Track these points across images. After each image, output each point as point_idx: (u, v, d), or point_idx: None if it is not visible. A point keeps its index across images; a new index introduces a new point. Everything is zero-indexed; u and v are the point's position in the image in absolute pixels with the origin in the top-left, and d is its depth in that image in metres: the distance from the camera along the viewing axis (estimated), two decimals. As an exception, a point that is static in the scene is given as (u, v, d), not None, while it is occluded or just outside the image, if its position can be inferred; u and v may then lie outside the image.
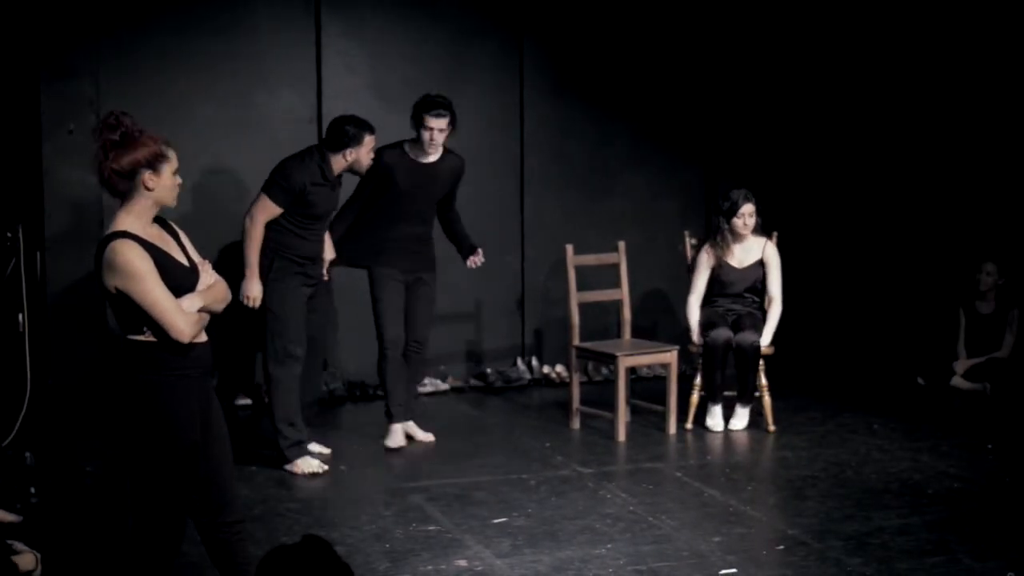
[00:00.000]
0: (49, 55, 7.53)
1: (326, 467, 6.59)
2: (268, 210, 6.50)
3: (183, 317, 3.98)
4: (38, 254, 7.33)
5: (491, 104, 8.65)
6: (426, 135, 6.78)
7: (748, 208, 7.42)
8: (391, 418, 7.02)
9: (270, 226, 6.51)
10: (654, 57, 8.97)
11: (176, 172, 4.10)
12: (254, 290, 6.49)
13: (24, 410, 6.86)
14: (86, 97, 7.59)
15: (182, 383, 4.03)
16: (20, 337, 6.95)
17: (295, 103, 8.13)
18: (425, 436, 7.19)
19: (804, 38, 9.17)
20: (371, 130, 6.65)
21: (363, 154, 6.62)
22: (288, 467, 6.55)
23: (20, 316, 6.97)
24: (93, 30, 7.63)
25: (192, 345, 4.03)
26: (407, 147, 6.89)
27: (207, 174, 7.90)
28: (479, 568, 5.16)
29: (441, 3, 8.49)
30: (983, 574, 5.07)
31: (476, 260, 7.15)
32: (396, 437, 7.03)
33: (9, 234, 6.96)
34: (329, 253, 6.90)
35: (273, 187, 6.52)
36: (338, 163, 6.61)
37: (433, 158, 6.91)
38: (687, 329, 7.60)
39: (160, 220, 4.16)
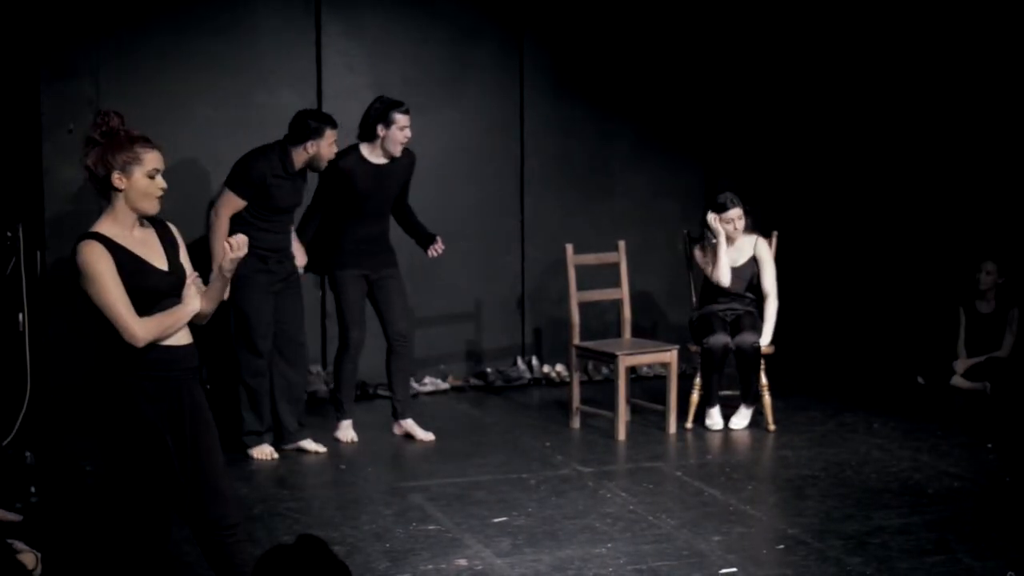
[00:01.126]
0: (49, 55, 7.53)
1: (277, 455, 6.80)
2: (232, 204, 6.62)
3: (136, 321, 3.94)
4: (38, 253, 7.33)
5: (491, 104, 8.65)
6: (399, 134, 6.88)
7: (736, 212, 7.41)
8: (341, 412, 7.18)
9: (235, 220, 6.61)
10: (654, 57, 8.96)
11: (154, 175, 3.99)
12: None
13: (24, 410, 6.86)
14: (86, 97, 7.59)
15: (147, 384, 3.98)
16: (20, 337, 6.95)
17: (295, 103, 8.09)
18: (425, 435, 7.21)
19: (804, 39, 9.17)
20: (333, 124, 6.74)
21: (324, 147, 6.69)
22: (249, 451, 6.79)
23: (20, 316, 6.97)
24: (93, 30, 7.64)
25: (156, 347, 3.98)
26: (363, 151, 6.95)
27: (207, 174, 7.89)
28: (479, 568, 5.16)
29: (441, 3, 8.49)
30: (983, 574, 5.07)
31: (437, 248, 7.21)
32: (346, 432, 7.19)
33: (9, 233, 6.96)
34: (301, 258, 7.02)
35: (235, 180, 6.65)
36: (299, 156, 6.69)
37: (387, 159, 6.97)
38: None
39: (158, 222, 4.13)
